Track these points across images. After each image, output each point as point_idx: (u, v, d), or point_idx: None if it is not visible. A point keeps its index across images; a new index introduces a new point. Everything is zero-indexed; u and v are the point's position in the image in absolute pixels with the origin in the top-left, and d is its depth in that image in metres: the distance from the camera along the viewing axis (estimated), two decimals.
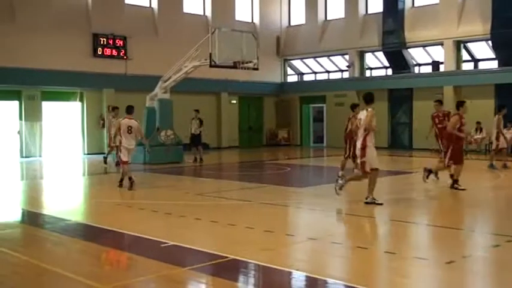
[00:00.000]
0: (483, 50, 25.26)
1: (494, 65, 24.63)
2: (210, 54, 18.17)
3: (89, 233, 8.15)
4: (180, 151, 19.97)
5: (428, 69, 26.72)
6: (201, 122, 20.30)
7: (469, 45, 25.53)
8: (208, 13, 28.33)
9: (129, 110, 13.37)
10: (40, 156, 22.55)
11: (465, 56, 25.84)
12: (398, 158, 22.28)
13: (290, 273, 5.75)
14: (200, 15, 28.22)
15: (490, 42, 24.21)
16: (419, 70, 27.34)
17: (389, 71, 27.90)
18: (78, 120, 24.35)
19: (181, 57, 19.65)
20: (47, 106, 23.33)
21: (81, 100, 24.36)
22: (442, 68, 25.93)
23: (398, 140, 27.39)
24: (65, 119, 24.05)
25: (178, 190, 12.77)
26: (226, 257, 6.25)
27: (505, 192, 12.38)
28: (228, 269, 5.94)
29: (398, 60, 26.79)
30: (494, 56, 24.56)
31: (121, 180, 12.84)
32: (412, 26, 26.36)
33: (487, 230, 8.22)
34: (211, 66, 18.45)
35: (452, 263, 5.97)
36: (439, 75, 25.56)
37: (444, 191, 12.32)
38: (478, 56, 25.66)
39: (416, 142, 26.19)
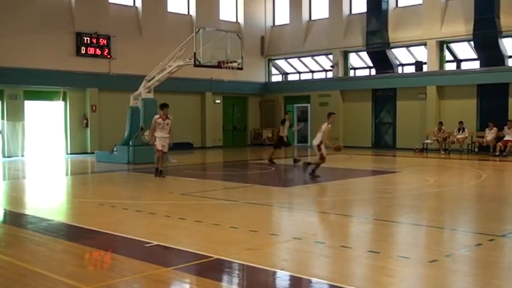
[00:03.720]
0: (465, 50, 25.50)
1: (476, 65, 24.87)
2: (195, 53, 18.13)
3: (71, 233, 8.09)
4: None
5: (411, 69, 26.92)
6: (290, 125, 19.70)
7: (452, 45, 25.77)
8: (193, 12, 28.28)
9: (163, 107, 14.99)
10: (22, 156, 22.35)
11: (448, 56, 26.07)
12: (382, 158, 22.41)
13: (274, 272, 5.75)
14: (184, 14, 28.15)
15: (472, 42, 24.46)
16: (402, 70, 27.53)
17: (373, 71, 28.05)
18: (61, 119, 24.16)
19: (165, 56, 19.59)
20: (30, 105, 23.14)
21: (64, 99, 24.17)
22: (425, 68, 26.14)
23: (382, 140, 27.56)
24: (47, 119, 23.85)
25: (163, 190, 12.73)
26: (211, 257, 6.23)
27: (487, 191, 12.50)
28: (213, 268, 5.93)
29: (382, 60, 26.96)
30: (476, 57, 24.81)
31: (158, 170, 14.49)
32: (396, 27, 26.54)
33: (469, 229, 8.29)
34: (195, 65, 18.41)
35: (435, 262, 6.02)
36: (422, 75, 25.78)
37: (427, 190, 12.41)
38: (460, 57, 25.90)
39: (400, 141, 26.40)
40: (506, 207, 10.26)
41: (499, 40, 23.39)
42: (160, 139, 14.58)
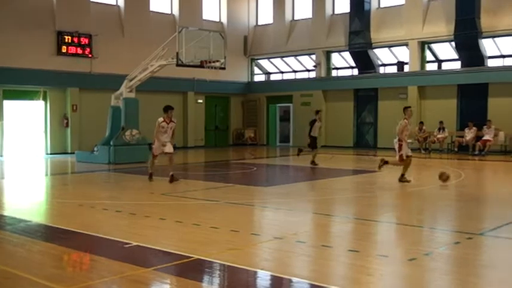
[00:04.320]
0: (447, 50, 25.74)
1: (457, 65, 25.11)
2: (177, 53, 18.05)
3: (50, 234, 8.00)
4: (145, 150, 19.78)
5: (393, 69, 27.10)
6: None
7: (433, 46, 25.99)
8: (176, 12, 28.17)
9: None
10: (1, 156, 22.08)
11: (429, 56, 26.29)
12: (364, 157, 22.53)
13: (255, 272, 5.75)
14: (167, 14, 28.03)
15: (453, 43, 24.69)
16: (384, 70, 27.70)
17: (355, 71, 28.19)
18: (42, 119, 23.92)
19: (147, 56, 19.50)
20: (9, 105, 22.86)
21: (45, 99, 23.91)
22: (406, 68, 26.32)
23: (364, 139, 27.71)
24: (27, 118, 23.59)
25: (143, 190, 12.65)
26: (191, 257, 6.21)
27: (466, 190, 12.62)
28: (193, 269, 5.91)
29: (364, 61, 27.10)
30: (457, 57, 25.04)
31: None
32: (378, 27, 26.70)
33: (448, 228, 8.36)
34: (177, 65, 18.33)
35: (414, 260, 6.07)
36: (404, 76, 25.96)
37: (407, 189, 12.49)
38: (441, 57, 26.14)
39: (381, 141, 26.56)
40: (484, 206, 10.38)
41: (479, 41, 23.64)
42: (161, 143, 13.41)
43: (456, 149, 23.43)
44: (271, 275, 5.71)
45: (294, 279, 5.57)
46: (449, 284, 5.47)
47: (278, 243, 7.07)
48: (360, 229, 8.18)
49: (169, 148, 13.51)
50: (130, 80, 19.76)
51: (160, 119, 13.43)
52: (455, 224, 8.68)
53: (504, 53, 24.19)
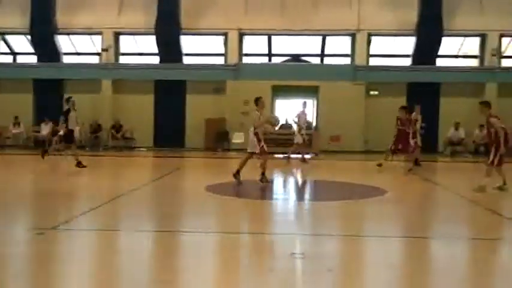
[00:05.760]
0: (23, 44, 25.49)
1: (33, 59, 25.09)
2: None
3: None
4: None
5: None
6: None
7: (9, 38, 25.47)
8: None
9: None
10: None
11: (4, 48, 25.59)
12: None
13: None
14: None
15: (29, 36, 24.61)
16: None
17: None
18: None
19: None
20: None
21: None
22: None
23: None
24: None
25: None
26: None
27: (40, 185, 12.65)
28: None
29: None
30: (33, 51, 25.01)
31: None
32: None
33: (21, 225, 8.22)
34: None
35: None
36: None
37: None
38: (17, 50, 25.84)
39: None
40: (59, 199, 10.57)
41: (55, 37, 24.19)
42: None
43: (33, 144, 23.40)
44: None
45: None
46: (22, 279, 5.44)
47: None
48: None
49: None
50: None
51: None
52: (30, 221, 8.62)
53: (79, 51, 25.46)
